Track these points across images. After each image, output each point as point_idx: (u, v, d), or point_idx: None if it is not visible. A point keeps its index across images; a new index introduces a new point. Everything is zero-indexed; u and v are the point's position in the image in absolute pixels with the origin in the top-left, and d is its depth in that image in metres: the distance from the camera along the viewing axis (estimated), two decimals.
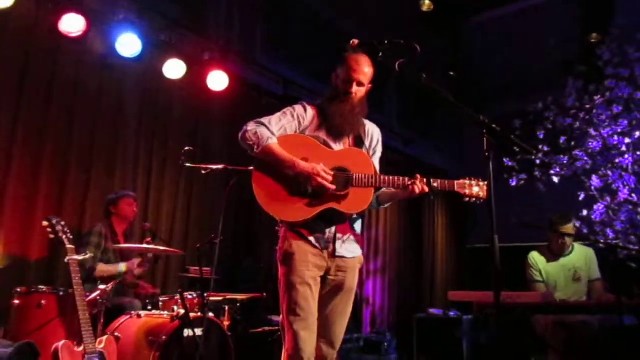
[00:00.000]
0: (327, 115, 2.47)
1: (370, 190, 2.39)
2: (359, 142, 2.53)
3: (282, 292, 2.37)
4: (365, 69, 2.45)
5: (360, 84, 2.46)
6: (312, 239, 2.36)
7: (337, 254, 2.40)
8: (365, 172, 2.38)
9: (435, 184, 2.38)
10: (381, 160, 2.66)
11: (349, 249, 2.44)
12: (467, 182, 2.41)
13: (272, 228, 2.56)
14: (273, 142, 2.36)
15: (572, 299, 4.00)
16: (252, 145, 2.36)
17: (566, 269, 4.10)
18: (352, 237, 2.46)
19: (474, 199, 2.41)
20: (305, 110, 2.51)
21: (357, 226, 2.51)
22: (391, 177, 2.37)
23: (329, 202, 2.34)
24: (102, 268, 3.88)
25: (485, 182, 2.36)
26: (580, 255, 4.14)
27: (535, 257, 4.18)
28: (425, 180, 2.37)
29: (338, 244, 2.40)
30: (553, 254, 4.16)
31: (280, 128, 2.43)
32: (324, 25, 6.31)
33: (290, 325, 2.30)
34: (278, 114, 2.48)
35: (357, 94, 2.46)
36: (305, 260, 2.34)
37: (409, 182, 2.36)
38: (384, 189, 2.52)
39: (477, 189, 2.40)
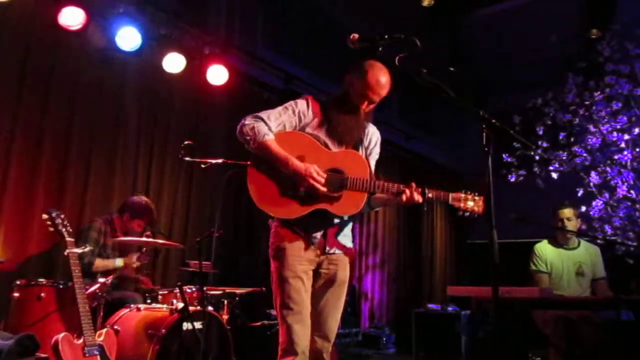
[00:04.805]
0: (331, 120, 2.43)
1: (364, 194, 2.37)
2: (358, 142, 2.51)
3: (275, 286, 2.39)
4: (383, 92, 2.40)
5: (372, 103, 2.44)
6: (302, 234, 2.38)
7: (327, 252, 2.42)
8: (360, 175, 2.35)
9: (430, 194, 2.34)
10: (383, 155, 2.65)
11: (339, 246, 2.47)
12: (462, 195, 2.37)
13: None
14: (269, 138, 2.33)
15: (574, 294, 4.01)
16: (248, 139, 2.34)
17: (571, 262, 4.12)
18: (338, 251, 2.45)
19: (469, 213, 2.37)
20: (308, 106, 2.46)
21: (347, 235, 2.50)
22: (385, 183, 2.34)
23: (321, 203, 2.33)
24: (100, 263, 3.87)
25: (481, 197, 2.34)
26: (586, 252, 4.16)
27: (542, 246, 4.20)
28: (420, 190, 2.33)
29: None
30: (558, 244, 4.18)
31: (279, 124, 2.40)
32: (325, 19, 6.29)
33: (283, 319, 2.32)
34: (279, 109, 2.43)
35: (366, 108, 2.45)
36: (297, 255, 2.35)
37: (403, 189, 2.32)
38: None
39: (471, 203, 2.36)
